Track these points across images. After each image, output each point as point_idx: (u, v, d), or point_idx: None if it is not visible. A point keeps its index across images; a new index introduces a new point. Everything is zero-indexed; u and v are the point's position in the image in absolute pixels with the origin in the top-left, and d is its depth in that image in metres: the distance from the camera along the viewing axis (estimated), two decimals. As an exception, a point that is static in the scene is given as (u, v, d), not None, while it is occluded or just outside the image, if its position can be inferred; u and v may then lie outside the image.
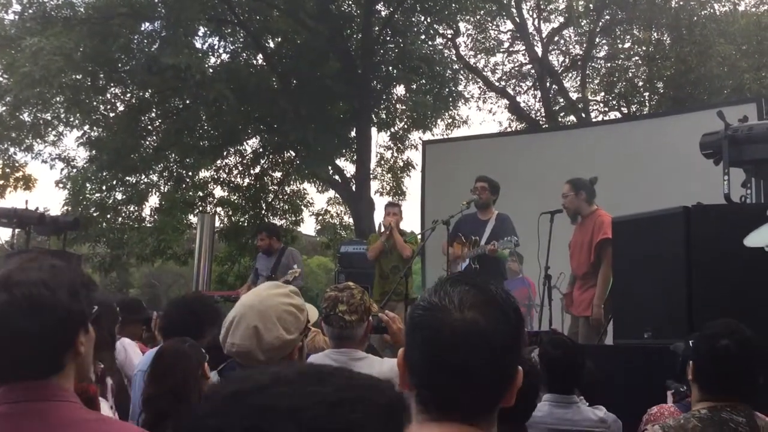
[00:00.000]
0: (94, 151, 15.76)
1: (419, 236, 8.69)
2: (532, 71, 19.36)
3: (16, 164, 17.40)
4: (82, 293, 1.64)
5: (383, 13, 15.67)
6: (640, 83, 18.74)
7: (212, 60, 15.65)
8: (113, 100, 16.19)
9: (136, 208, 16.33)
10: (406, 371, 1.32)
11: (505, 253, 6.57)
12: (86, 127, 15.89)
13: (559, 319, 6.73)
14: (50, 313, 1.56)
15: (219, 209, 17.07)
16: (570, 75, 19.83)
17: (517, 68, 19.93)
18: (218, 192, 17.48)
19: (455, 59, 18.21)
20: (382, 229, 7.99)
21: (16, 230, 7.28)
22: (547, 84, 18.91)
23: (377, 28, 15.37)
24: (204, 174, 17.19)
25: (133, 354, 4.11)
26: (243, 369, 2.16)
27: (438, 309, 1.28)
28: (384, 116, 17.00)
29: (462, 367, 1.24)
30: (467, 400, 1.25)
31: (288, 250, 8.64)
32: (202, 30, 15.11)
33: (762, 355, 2.54)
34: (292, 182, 17.98)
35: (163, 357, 2.90)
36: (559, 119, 18.77)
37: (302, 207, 17.96)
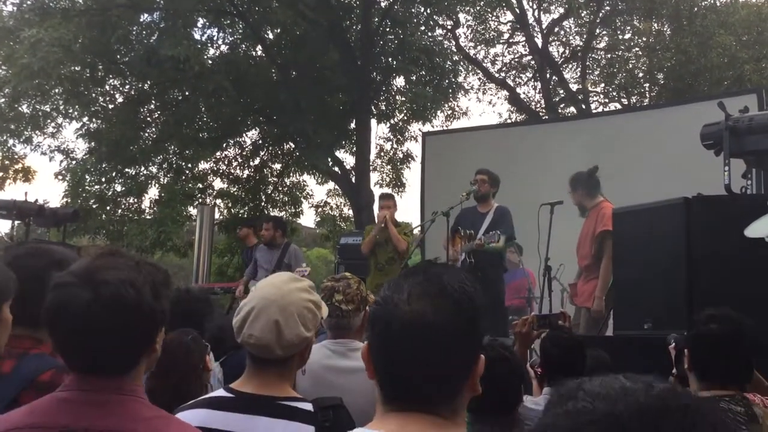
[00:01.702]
0: (93, 143, 15.73)
1: (416, 228, 8.68)
2: (532, 62, 19.32)
3: (16, 156, 17.41)
4: (163, 292, 1.65)
5: (383, 4, 15.63)
6: (641, 74, 18.71)
7: (211, 51, 15.59)
8: (112, 92, 16.15)
9: (136, 199, 16.32)
10: (370, 362, 1.36)
11: (496, 246, 6.52)
12: (85, 119, 15.84)
13: (559, 310, 6.73)
14: (135, 313, 1.57)
15: (218, 201, 17.07)
16: (570, 66, 19.80)
17: (517, 59, 19.90)
18: (218, 184, 17.51)
19: (455, 50, 18.16)
20: (380, 217, 7.96)
21: (16, 222, 7.28)
22: (547, 75, 18.88)
23: (377, 19, 15.32)
24: (203, 166, 17.19)
25: None
26: (255, 360, 2.15)
27: (389, 302, 1.31)
28: (383, 108, 16.95)
29: (411, 359, 1.27)
30: (422, 390, 1.28)
31: (291, 247, 8.63)
32: (201, 21, 15.05)
33: (753, 339, 2.55)
34: (291, 174, 17.97)
35: (165, 351, 2.88)
36: (559, 111, 18.74)
37: (302, 199, 17.96)
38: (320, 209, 18.53)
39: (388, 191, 16.33)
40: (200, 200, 16.14)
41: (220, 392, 2.18)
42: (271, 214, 16.99)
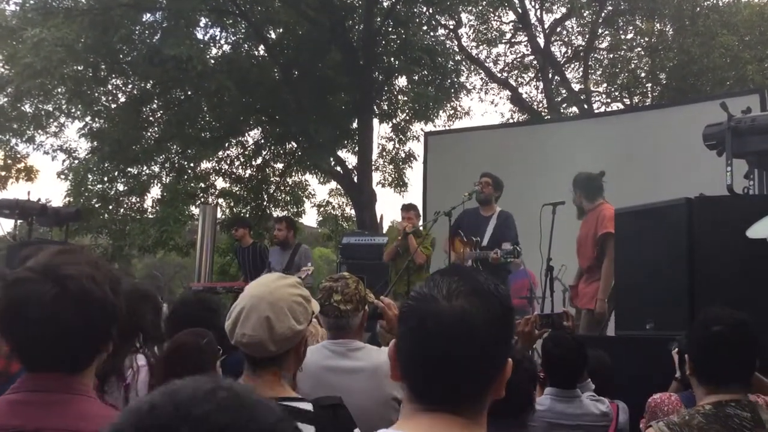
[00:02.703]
0: (95, 143, 15.76)
1: (426, 228, 8.67)
2: (534, 62, 19.32)
3: (18, 155, 17.44)
4: (119, 290, 1.63)
5: (385, 4, 15.63)
6: (643, 74, 18.69)
7: (214, 51, 15.65)
8: (115, 91, 16.19)
9: (138, 199, 16.35)
10: (397, 362, 1.33)
11: (513, 260, 6.51)
12: (88, 119, 15.88)
13: (561, 309, 6.71)
14: (99, 310, 1.56)
15: (221, 200, 17.09)
16: (572, 66, 19.80)
17: (519, 59, 19.91)
18: (220, 183, 17.54)
19: (457, 50, 18.18)
20: (396, 226, 7.94)
21: (19, 221, 7.29)
22: (549, 75, 18.87)
23: (379, 19, 15.33)
24: (206, 165, 17.23)
25: None
26: (251, 360, 2.15)
27: (426, 299, 1.29)
28: (386, 107, 16.98)
29: (446, 356, 1.25)
30: (452, 389, 1.27)
31: (302, 248, 8.74)
32: (203, 21, 15.09)
33: (757, 339, 2.53)
34: (293, 173, 17.99)
35: (178, 350, 2.87)
36: (561, 110, 18.73)
37: (304, 198, 17.99)
38: (322, 209, 18.56)
39: (398, 195, 16.41)
40: (202, 199, 16.16)
41: None
42: (274, 213, 17.04)
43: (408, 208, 8.01)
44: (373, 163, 16.73)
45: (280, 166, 17.99)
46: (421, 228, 7.87)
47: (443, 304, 1.26)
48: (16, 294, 1.53)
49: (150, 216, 15.83)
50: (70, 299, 1.52)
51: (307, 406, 2.11)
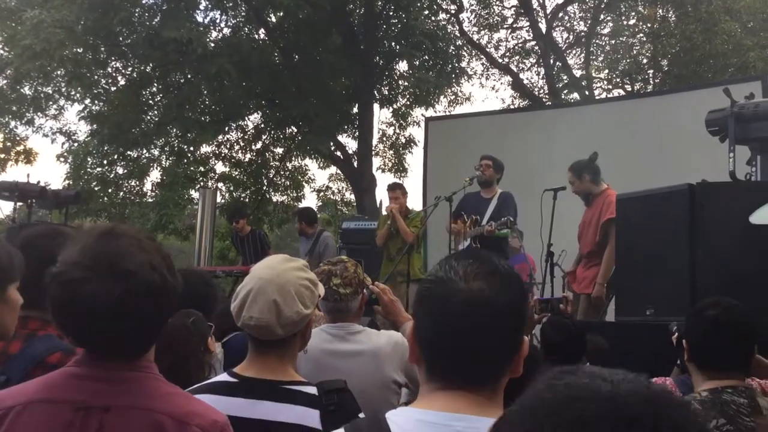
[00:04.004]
0: (95, 125, 15.71)
1: (423, 213, 8.67)
2: (536, 48, 19.22)
3: (17, 138, 17.40)
4: (173, 265, 1.62)
5: (386, -12, 15.56)
6: (645, 61, 18.62)
7: (214, 34, 15.56)
8: (114, 74, 16.12)
9: (138, 182, 16.35)
10: (416, 344, 1.35)
11: (504, 232, 6.51)
12: (87, 101, 15.84)
13: (561, 294, 6.70)
14: (163, 297, 1.54)
15: (220, 184, 17.07)
16: (574, 52, 19.71)
17: (520, 45, 19.79)
18: (220, 167, 17.51)
19: (458, 35, 18.08)
20: (384, 212, 7.99)
21: (18, 204, 7.26)
22: (551, 61, 18.78)
23: (380, 3, 15.26)
24: (205, 149, 17.19)
25: None
26: (257, 342, 2.14)
27: (444, 281, 1.32)
28: (386, 92, 16.93)
29: (468, 335, 1.28)
30: (472, 367, 1.29)
31: (322, 236, 8.92)
32: (203, 4, 15.00)
33: (753, 325, 2.54)
34: (293, 158, 17.96)
35: (165, 333, 2.86)
36: (563, 96, 18.66)
37: (303, 183, 17.96)
38: (322, 194, 18.55)
39: (394, 179, 16.39)
40: (202, 183, 16.14)
41: (223, 377, 2.17)
42: (273, 198, 17.04)
43: (394, 188, 8.04)
44: (373, 148, 16.71)
45: (279, 150, 17.96)
46: (418, 212, 7.90)
47: (461, 286, 1.29)
48: (76, 294, 1.48)
49: (149, 200, 15.83)
50: (136, 296, 1.49)
51: (311, 390, 2.10)
